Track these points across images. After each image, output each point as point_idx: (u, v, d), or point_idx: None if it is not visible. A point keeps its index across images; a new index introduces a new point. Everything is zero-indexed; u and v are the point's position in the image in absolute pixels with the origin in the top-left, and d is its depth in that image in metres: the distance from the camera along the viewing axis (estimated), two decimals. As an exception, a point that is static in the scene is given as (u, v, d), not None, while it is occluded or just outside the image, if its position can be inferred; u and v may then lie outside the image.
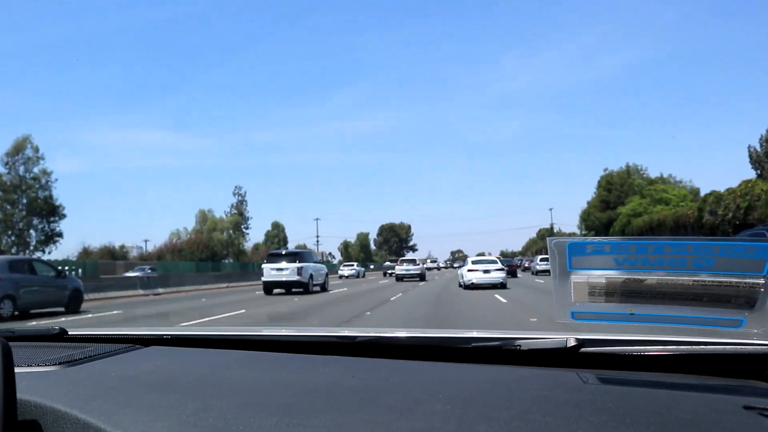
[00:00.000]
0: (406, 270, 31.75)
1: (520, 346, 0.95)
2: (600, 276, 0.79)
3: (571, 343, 0.91)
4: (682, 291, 0.79)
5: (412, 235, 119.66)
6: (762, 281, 0.76)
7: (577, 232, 58.77)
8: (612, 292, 0.80)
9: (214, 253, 54.75)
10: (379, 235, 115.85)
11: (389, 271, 43.06)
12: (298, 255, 19.77)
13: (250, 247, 67.90)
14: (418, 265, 32.80)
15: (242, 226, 67.58)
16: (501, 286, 18.99)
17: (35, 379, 0.85)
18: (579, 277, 0.79)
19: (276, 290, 19.30)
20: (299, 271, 18.70)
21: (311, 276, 19.37)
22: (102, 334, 1.30)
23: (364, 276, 45.27)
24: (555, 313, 0.82)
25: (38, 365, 0.95)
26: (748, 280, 0.76)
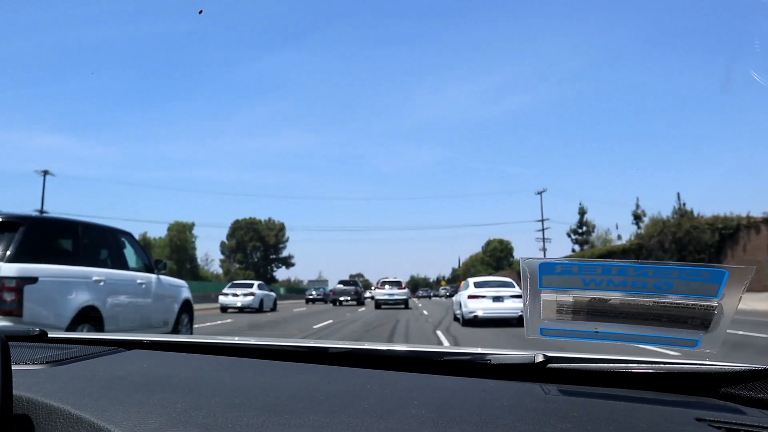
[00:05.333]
0: (389, 295, 24.97)
1: (490, 360, 0.99)
2: (568, 295, 0.84)
3: (539, 359, 0.95)
4: (643, 311, 0.84)
5: (286, 240, 78.01)
6: (716, 304, 0.81)
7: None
8: (578, 311, 0.85)
9: None
10: (230, 236, 75.76)
11: (341, 298, 30.92)
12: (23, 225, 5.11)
13: None
14: (404, 288, 25.82)
15: None
16: (519, 321, 12.33)
17: (23, 377, 0.86)
18: (548, 295, 0.84)
19: None
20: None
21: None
22: (83, 337, 1.31)
23: (274, 308, 25.64)
24: (526, 330, 0.87)
25: (26, 363, 0.96)
26: (703, 303, 0.82)
